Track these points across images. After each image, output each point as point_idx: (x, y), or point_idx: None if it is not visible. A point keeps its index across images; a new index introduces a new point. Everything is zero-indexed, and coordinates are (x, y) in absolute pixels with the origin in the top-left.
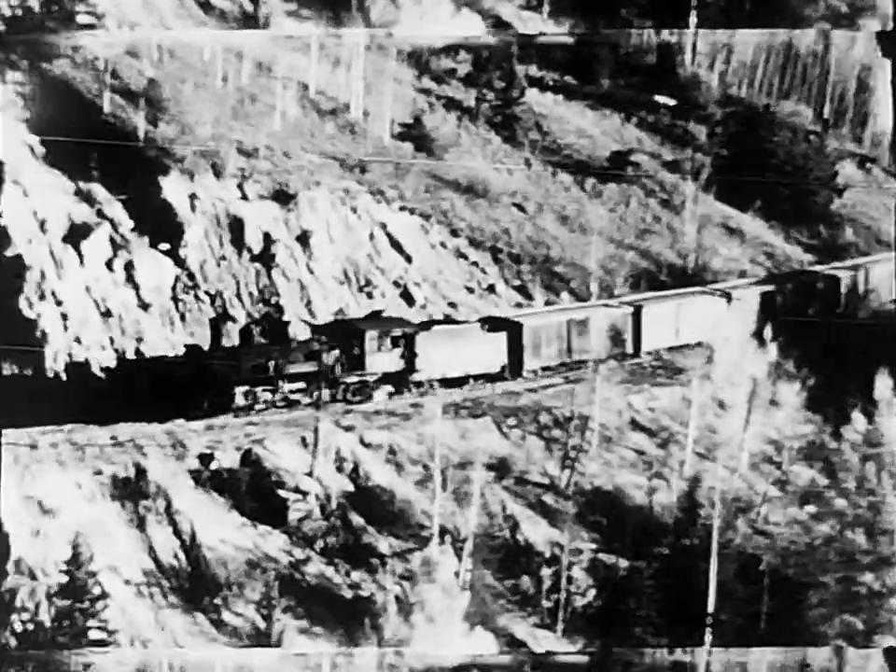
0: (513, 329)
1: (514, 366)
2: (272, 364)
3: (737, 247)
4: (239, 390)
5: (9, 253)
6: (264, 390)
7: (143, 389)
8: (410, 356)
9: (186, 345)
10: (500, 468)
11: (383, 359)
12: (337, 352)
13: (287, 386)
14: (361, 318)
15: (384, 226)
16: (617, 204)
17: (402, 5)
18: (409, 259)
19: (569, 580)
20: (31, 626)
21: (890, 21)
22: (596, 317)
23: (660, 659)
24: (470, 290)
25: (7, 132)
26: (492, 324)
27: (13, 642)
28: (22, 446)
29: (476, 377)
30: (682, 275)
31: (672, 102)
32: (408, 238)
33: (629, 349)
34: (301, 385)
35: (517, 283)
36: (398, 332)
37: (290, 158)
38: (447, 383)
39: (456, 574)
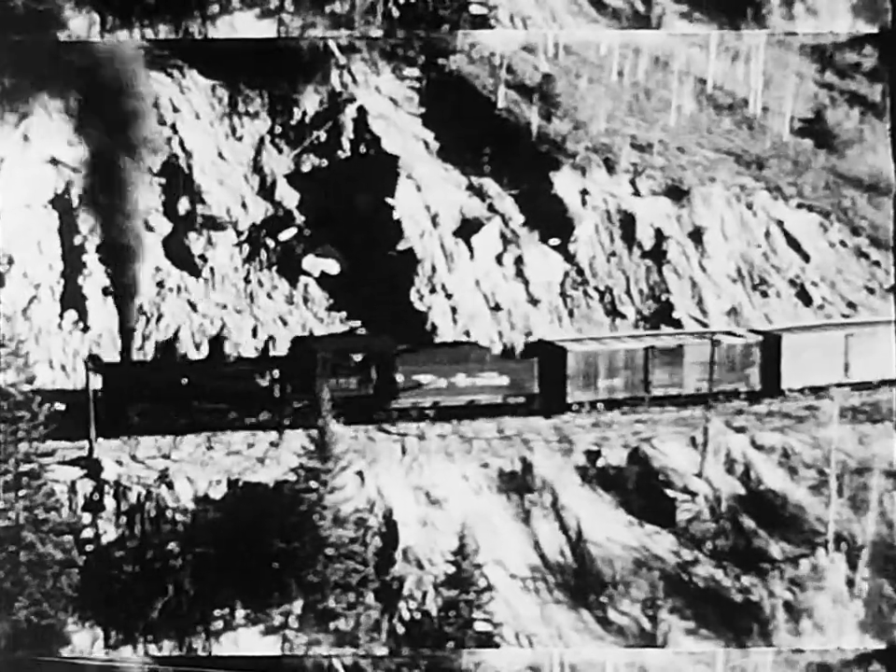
0: (553, 356)
1: (552, 397)
2: (184, 381)
3: None
4: (132, 409)
5: (402, 246)
6: (174, 411)
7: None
8: (386, 381)
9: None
10: None
11: (338, 384)
12: (276, 373)
13: (203, 407)
14: (325, 336)
15: (780, 223)
16: None
17: (797, 16)
18: (806, 258)
19: None
20: (418, 615)
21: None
22: (697, 346)
23: None
24: (871, 291)
25: (403, 126)
26: (530, 350)
27: (400, 629)
28: (412, 436)
29: (492, 407)
30: None
31: None
32: (806, 236)
33: (755, 385)
34: (222, 406)
35: None
36: (360, 355)
37: (685, 153)
38: (446, 413)
39: (850, 583)
